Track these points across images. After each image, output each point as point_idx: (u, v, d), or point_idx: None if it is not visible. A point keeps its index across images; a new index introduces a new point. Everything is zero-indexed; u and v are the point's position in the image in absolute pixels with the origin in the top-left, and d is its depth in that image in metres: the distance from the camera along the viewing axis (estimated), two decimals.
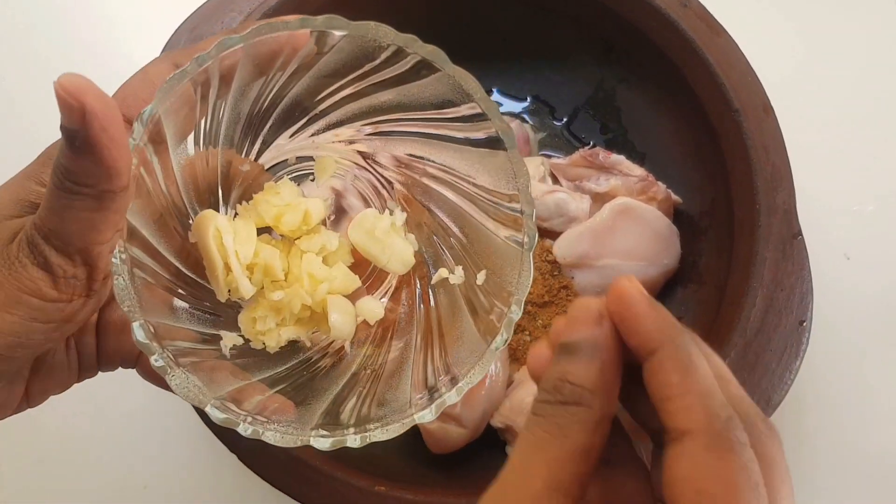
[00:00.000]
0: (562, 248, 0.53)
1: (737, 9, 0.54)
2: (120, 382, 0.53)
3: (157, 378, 0.30)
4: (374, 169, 0.39)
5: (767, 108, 0.49)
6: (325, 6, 0.53)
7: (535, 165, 0.57)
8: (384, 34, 0.30)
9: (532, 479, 0.23)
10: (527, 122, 0.62)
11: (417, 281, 0.38)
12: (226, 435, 0.44)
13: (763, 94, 0.49)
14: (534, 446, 0.24)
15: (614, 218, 0.53)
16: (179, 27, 0.49)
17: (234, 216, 0.35)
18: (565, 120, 0.63)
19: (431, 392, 0.33)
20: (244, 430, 0.30)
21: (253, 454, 0.44)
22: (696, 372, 0.23)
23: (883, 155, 0.64)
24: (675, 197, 0.55)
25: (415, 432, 0.52)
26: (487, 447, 0.53)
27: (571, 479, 0.23)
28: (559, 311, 0.54)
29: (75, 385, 0.35)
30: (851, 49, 0.67)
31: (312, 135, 0.36)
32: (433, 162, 0.36)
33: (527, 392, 0.51)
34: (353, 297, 0.37)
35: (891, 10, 0.67)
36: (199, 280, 0.34)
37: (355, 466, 0.48)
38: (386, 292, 0.40)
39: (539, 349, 0.27)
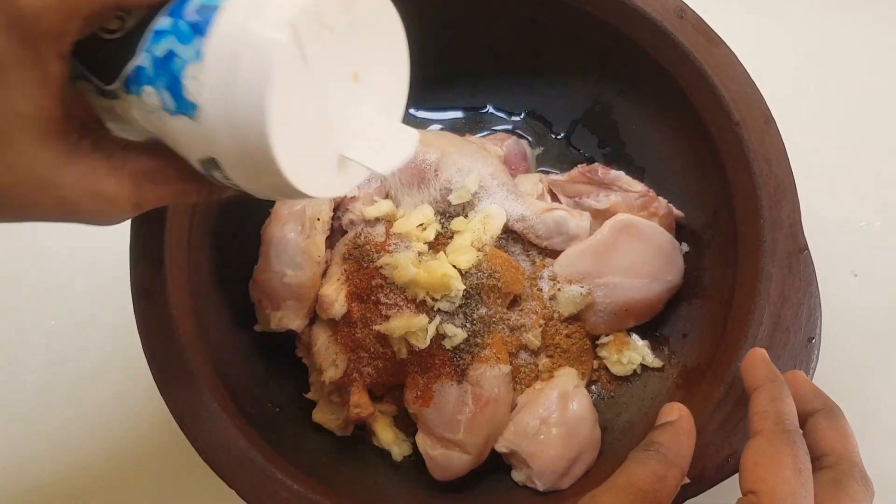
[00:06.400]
0: (563, 268, 0.52)
1: (734, 20, 0.54)
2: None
3: None
4: None
5: (769, 120, 0.48)
6: None
7: (533, 182, 0.56)
8: None
9: (620, 479, 0.36)
10: (523, 137, 0.62)
11: None
12: (226, 473, 0.43)
13: (764, 106, 0.48)
14: (627, 466, 0.36)
15: (615, 235, 0.52)
16: None
17: None
18: (563, 135, 0.62)
19: None
20: None
21: (251, 489, 0.43)
22: (780, 400, 0.36)
23: (888, 169, 0.62)
24: (676, 211, 0.54)
25: (418, 459, 0.51)
26: (492, 472, 0.51)
27: (646, 487, 0.35)
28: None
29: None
30: (851, 60, 0.66)
31: None
32: None
33: (531, 416, 0.49)
34: None
35: (890, 17, 0.66)
36: None
37: (356, 496, 0.47)
38: None
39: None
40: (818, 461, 0.35)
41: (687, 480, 0.37)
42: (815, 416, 0.37)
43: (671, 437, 0.38)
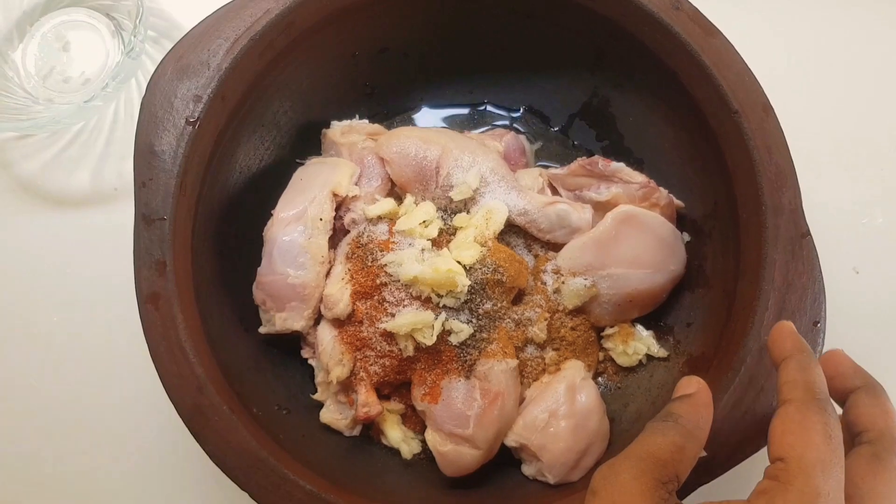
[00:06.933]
0: (566, 261, 0.52)
1: (730, 10, 0.53)
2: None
3: None
4: None
5: (767, 108, 0.48)
6: (313, 28, 0.52)
7: (533, 177, 0.56)
8: None
9: (639, 449, 0.35)
10: (521, 132, 0.62)
11: None
12: (238, 476, 0.43)
13: (762, 94, 0.48)
14: (645, 436, 0.36)
15: (617, 226, 0.52)
16: (166, 57, 0.48)
17: None
18: (560, 129, 0.62)
19: None
20: None
21: (265, 491, 0.43)
22: (809, 369, 0.35)
23: (890, 165, 0.62)
24: (677, 201, 0.55)
25: (428, 456, 0.51)
26: (503, 467, 0.52)
27: (666, 457, 0.34)
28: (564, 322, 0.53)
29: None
30: (851, 56, 0.65)
31: None
32: None
33: (540, 409, 0.50)
34: None
35: (890, 6, 0.66)
36: None
37: (367, 495, 0.47)
38: None
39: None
40: (858, 437, 0.35)
41: (704, 454, 0.37)
42: (856, 392, 0.36)
43: (690, 408, 0.37)
